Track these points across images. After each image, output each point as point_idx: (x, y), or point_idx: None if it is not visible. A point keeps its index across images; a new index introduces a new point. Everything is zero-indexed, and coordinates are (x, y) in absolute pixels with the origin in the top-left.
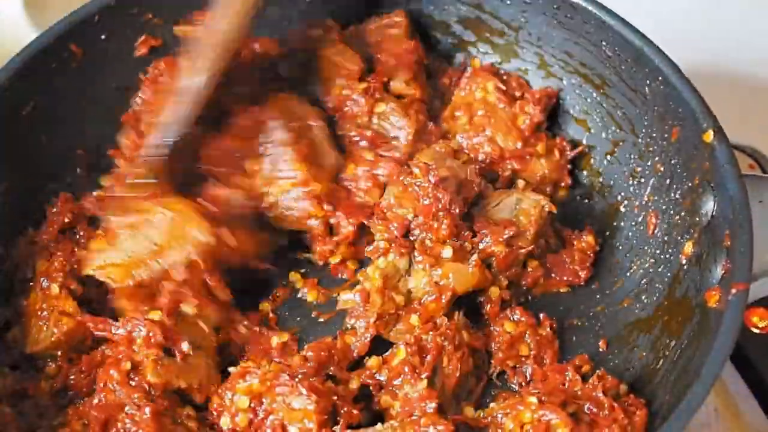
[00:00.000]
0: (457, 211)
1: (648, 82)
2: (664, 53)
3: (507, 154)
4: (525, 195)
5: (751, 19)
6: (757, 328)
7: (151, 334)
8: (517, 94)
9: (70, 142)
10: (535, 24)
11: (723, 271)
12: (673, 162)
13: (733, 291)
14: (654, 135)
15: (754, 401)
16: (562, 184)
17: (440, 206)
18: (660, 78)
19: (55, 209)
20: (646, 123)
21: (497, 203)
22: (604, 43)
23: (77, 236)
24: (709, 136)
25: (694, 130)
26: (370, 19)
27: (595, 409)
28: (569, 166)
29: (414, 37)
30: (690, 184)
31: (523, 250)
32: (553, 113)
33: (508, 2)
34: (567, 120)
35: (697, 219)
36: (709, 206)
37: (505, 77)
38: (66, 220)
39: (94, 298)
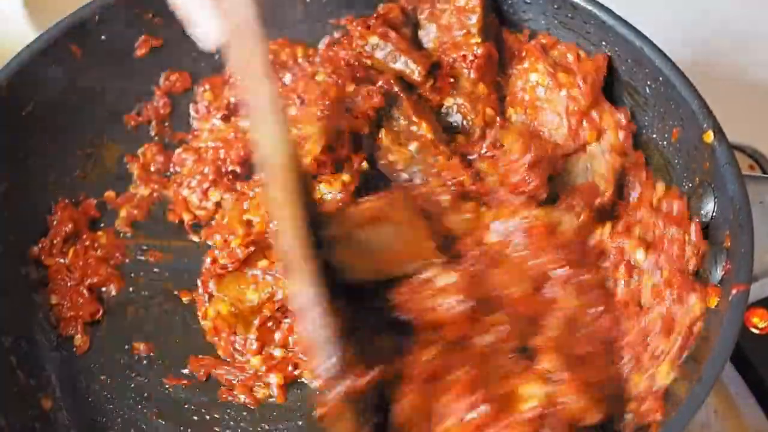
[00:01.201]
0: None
1: (648, 82)
2: (664, 53)
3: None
4: (593, 156)
5: (751, 19)
6: (757, 328)
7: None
8: (575, 67)
9: (69, 143)
10: (536, 23)
11: (723, 272)
12: (673, 162)
13: (734, 292)
14: (654, 135)
15: (754, 402)
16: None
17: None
18: (660, 78)
19: (55, 220)
20: (646, 123)
21: (570, 171)
22: (603, 43)
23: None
24: (710, 136)
25: (695, 130)
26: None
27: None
28: (630, 140)
29: (490, 25)
30: (690, 185)
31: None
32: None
33: (509, 2)
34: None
35: (697, 220)
36: (709, 207)
37: (563, 48)
38: (67, 229)
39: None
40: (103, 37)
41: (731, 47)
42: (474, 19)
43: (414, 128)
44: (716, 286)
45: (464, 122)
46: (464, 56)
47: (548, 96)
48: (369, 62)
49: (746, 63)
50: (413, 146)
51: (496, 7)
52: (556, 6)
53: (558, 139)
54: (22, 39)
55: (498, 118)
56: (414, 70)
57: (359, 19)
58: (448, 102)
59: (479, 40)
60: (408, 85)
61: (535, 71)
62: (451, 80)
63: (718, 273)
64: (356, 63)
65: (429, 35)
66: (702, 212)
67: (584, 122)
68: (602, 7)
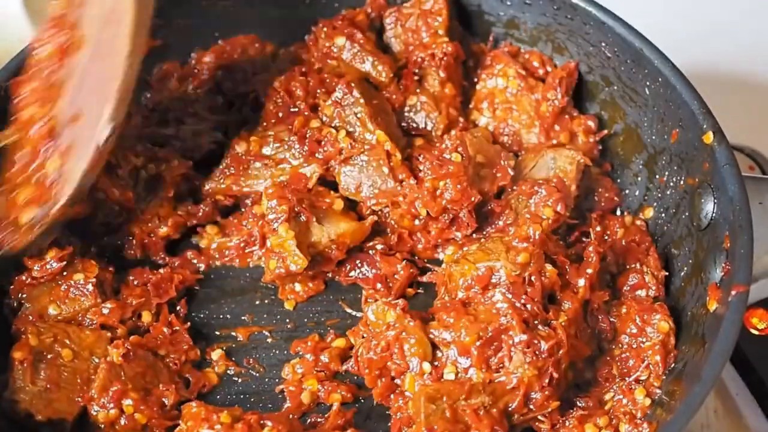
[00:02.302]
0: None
1: (648, 83)
2: (664, 54)
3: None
4: (558, 151)
5: (750, 20)
6: (757, 329)
7: None
8: (541, 72)
9: None
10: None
11: (723, 273)
12: (672, 163)
13: (733, 292)
14: (654, 136)
15: (754, 402)
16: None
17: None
18: (660, 79)
19: None
20: (645, 124)
21: (533, 165)
22: (603, 44)
23: None
24: (709, 137)
25: (694, 131)
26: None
27: None
28: (599, 147)
29: (455, 30)
30: (690, 186)
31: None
32: (577, 88)
33: (509, 2)
34: (590, 97)
35: (697, 220)
36: (709, 207)
37: (527, 55)
38: None
39: None
40: None
41: (731, 48)
42: (440, 20)
43: (368, 136)
44: (716, 286)
45: (427, 121)
46: (433, 55)
47: (518, 99)
48: (335, 63)
49: (746, 64)
50: (364, 158)
51: (460, 15)
52: (555, 7)
53: (530, 138)
54: (22, 39)
55: (461, 119)
56: (381, 71)
57: (325, 20)
58: (412, 100)
59: (447, 40)
60: (373, 86)
61: (505, 75)
62: (417, 78)
63: (718, 274)
64: (319, 68)
65: (395, 37)
66: (702, 213)
67: (556, 125)
68: (601, 8)
